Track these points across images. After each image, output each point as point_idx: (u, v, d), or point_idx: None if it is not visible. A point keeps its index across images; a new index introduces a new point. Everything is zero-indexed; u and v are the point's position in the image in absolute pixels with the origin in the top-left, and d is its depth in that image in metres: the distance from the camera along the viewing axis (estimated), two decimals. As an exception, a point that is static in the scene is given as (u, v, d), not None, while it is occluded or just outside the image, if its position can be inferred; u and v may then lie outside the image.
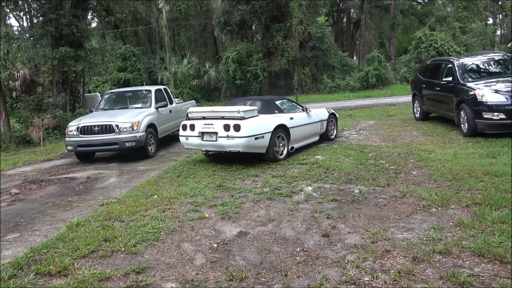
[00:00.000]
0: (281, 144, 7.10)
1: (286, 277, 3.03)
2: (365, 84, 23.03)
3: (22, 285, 3.15)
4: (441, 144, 7.37)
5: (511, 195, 4.26)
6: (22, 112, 15.03)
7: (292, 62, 24.08)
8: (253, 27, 28.39)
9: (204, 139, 6.84)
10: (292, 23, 23.83)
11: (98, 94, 18.69)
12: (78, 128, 8.47)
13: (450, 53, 21.44)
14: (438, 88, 9.21)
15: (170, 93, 11.07)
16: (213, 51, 30.43)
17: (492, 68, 8.91)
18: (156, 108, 9.41)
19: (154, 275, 3.20)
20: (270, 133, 6.77)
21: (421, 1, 37.86)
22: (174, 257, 3.50)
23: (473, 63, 9.00)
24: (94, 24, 27.24)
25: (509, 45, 27.55)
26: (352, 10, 36.61)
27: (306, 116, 7.92)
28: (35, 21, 15.78)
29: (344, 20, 38.98)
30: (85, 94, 16.83)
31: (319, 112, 8.46)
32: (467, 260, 3.08)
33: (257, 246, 3.63)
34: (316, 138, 8.33)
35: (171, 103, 10.49)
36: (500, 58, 9.20)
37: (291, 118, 7.40)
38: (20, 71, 24.80)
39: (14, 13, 22.90)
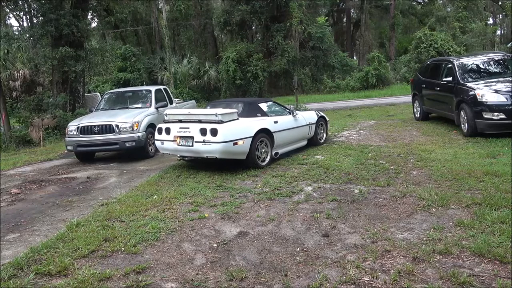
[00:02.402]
0: (263, 150, 6.69)
1: (286, 277, 3.03)
2: (365, 84, 23.02)
3: (22, 285, 3.15)
4: (441, 144, 7.37)
5: (511, 195, 4.26)
6: (22, 112, 15.00)
7: (292, 62, 24.07)
8: (253, 27, 28.38)
9: (180, 144, 6.44)
10: (292, 23, 23.82)
11: (98, 94, 18.69)
12: (78, 128, 8.47)
13: (450, 53, 21.43)
14: (438, 88, 9.21)
15: (170, 93, 11.07)
16: (213, 51, 30.42)
17: (492, 68, 8.91)
18: (156, 108, 9.40)
19: (154, 275, 3.20)
20: (251, 138, 6.36)
21: (421, 1, 37.86)
22: (174, 257, 3.50)
23: (473, 63, 9.00)
24: (94, 24, 27.23)
25: (509, 45, 27.55)
26: (352, 10, 36.60)
27: (293, 120, 7.51)
28: (35, 21, 15.77)
29: (344, 20, 38.97)
30: (85, 94, 16.82)
31: (307, 115, 8.09)
32: (467, 260, 3.08)
33: (257, 246, 3.63)
34: (304, 142, 7.92)
35: (171, 103, 10.49)
36: (500, 58, 9.20)
37: (275, 122, 7.01)
38: (20, 71, 24.79)
39: (14, 13, 22.91)
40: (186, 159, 7.11)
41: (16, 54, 24.65)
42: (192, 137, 6.29)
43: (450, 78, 8.62)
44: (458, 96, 8.13)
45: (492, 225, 3.59)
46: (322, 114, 8.63)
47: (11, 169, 8.61)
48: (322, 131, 8.47)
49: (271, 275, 3.09)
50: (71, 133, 8.54)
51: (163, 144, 6.78)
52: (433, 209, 4.15)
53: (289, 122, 7.42)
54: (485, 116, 7.33)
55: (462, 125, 7.96)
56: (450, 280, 2.81)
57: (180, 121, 6.65)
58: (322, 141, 8.41)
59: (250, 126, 6.51)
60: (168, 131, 6.66)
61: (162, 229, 4.13)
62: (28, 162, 9.29)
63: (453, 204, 4.23)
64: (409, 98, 12.29)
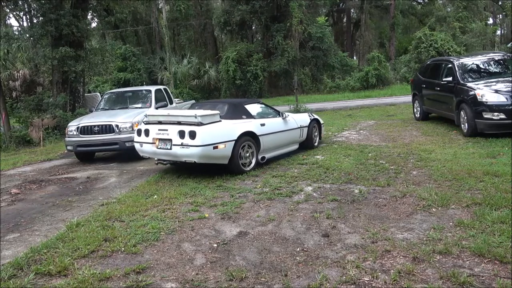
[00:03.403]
0: (247, 154, 6.34)
1: (286, 277, 3.03)
2: (365, 84, 23.04)
3: (22, 285, 3.15)
4: (441, 144, 7.37)
5: (511, 195, 4.26)
6: (22, 112, 15.00)
7: (292, 62, 24.08)
8: (253, 27, 28.41)
9: (159, 147, 6.12)
10: (292, 23, 23.83)
11: (98, 94, 18.69)
12: (78, 128, 8.47)
13: (450, 53, 21.45)
14: (438, 88, 9.21)
15: (170, 93, 11.07)
16: (213, 51, 30.44)
17: (492, 68, 8.92)
18: (156, 108, 9.39)
19: (154, 275, 3.20)
20: (234, 142, 6.02)
21: (421, 1, 37.87)
22: (174, 257, 3.50)
23: (473, 63, 9.01)
24: (94, 24, 27.22)
25: (509, 45, 27.55)
26: (352, 10, 36.62)
27: (282, 122, 7.14)
28: (35, 21, 15.78)
29: (344, 20, 38.98)
30: (85, 94, 16.83)
31: (298, 117, 7.72)
32: (467, 260, 3.08)
33: (257, 246, 3.63)
34: (295, 146, 7.58)
35: (171, 103, 10.49)
36: (500, 58, 9.20)
37: (262, 125, 6.66)
38: (20, 71, 24.81)
39: (14, 13, 22.90)
40: (165, 163, 6.65)
41: (16, 54, 24.66)
42: (170, 140, 5.95)
43: (450, 78, 8.62)
44: (458, 96, 8.14)
45: (492, 225, 3.59)
46: (316, 116, 8.27)
47: (11, 169, 8.61)
48: (315, 134, 8.09)
49: (271, 275, 3.09)
50: (71, 133, 8.54)
51: (142, 146, 6.49)
52: (433, 209, 4.15)
53: (278, 124, 7.06)
54: (485, 116, 7.33)
55: (462, 125, 7.96)
56: (450, 280, 2.81)
57: (160, 122, 6.35)
58: (315, 144, 8.05)
59: (233, 128, 6.17)
60: (147, 132, 6.36)
61: (162, 229, 4.13)
62: (28, 162, 9.29)
63: (453, 204, 4.23)
64: (409, 98, 12.29)
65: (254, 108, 7.07)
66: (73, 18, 13.68)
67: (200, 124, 5.86)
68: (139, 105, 9.68)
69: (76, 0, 14.48)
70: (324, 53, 25.02)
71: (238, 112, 6.68)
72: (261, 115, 7.03)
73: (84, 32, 14.57)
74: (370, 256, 3.24)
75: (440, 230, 3.63)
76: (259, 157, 6.56)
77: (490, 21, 34.34)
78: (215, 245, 3.70)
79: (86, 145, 8.46)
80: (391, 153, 6.95)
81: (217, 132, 5.98)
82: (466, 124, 7.77)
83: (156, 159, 6.58)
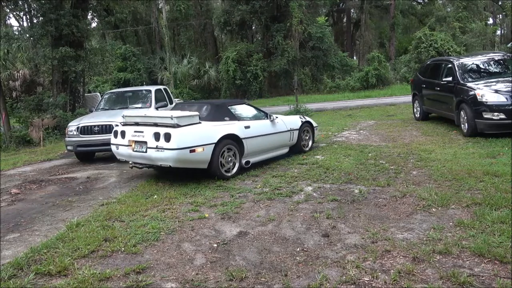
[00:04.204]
0: (229, 159, 6.02)
1: (286, 277, 3.03)
2: (365, 84, 23.04)
3: (22, 285, 3.15)
4: (441, 144, 7.37)
5: (511, 195, 4.26)
6: (22, 112, 15.01)
7: (292, 62, 24.08)
8: (253, 27, 28.42)
9: (135, 150, 5.86)
10: (292, 23, 23.84)
11: (98, 94, 18.71)
12: (78, 128, 8.47)
13: (450, 53, 21.45)
14: (438, 88, 9.21)
15: (170, 93, 11.08)
16: (213, 51, 30.46)
17: (492, 68, 8.92)
18: (156, 108, 9.39)
19: (154, 275, 3.20)
20: (213, 145, 5.72)
21: (421, 1, 37.88)
22: (174, 257, 3.50)
23: (473, 63, 9.01)
24: (94, 24, 27.23)
25: (509, 45, 27.55)
26: (352, 10, 36.62)
27: (270, 125, 6.79)
28: (35, 21, 15.79)
29: (344, 20, 38.99)
30: (85, 94, 16.84)
31: (288, 120, 7.36)
32: (467, 260, 3.08)
33: (257, 246, 3.63)
34: (284, 150, 7.21)
35: (171, 103, 10.48)
36: (500, 58, 9.20)
37: (247, 127, 6.33)
38: (20, 71, 24.81)
39: (14, 13, 22.88)
40: (140, 167, 6.30)
41: (16, 54, 24.67)
42: (146, 142, 5.67)
43: (450, 78, 8.62)
44: (458, 96, 8.13)
45: (492, 225, 3.59)
46: (308, 119, 7.89)
47: (11, 169, 8.61)
48: (307, 138, 7.69)
49: (271, 275, 3.09)
50: (71, 133, 8.54)
51: (118, 149, 6.21)
52: (433, 209, 4.15)
53: (265, 127, 6.71)
54: (485, 116, 7.33)
55: (462, 125, 7.96)
56: (450, 280, 2.81)
57: (137, 123, 6.08)
58: (307, 148, 7.64)
59: (213, 131, 5.85)
60: (123, 134, 6.07)
61: (162, 229, 4.13)
62: (28, 162, 9.29)
63: (453, 204, 4.23)
64: (409, 98, 12.29)
65: (238, 109, 6.75)
66: (73, 18, 13.68)
67: (176, 126, 5.55)
68: (139, 105, 9.69)
69: (76, 0, 14.49)
70: (324, 53, 25.03)
71: (221, 114, 6.33)
72: (246, 117, 6.70)
73: (84, 32, 14.58)
74: (370, 256, 3.24)
75: (440, 230, 3.63)
76: (243, 161, 6.26)
77: (490, 21, 34.37)
78: (215, 245, 3.70)
79: (86, 145, 8.46)
80: (391, 153, 6.95)
81: (195, 135, 5.65)
82: (466, 124, 7.77)
83: (130, 162, 6.26)
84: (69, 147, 8.66)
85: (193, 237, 3.92)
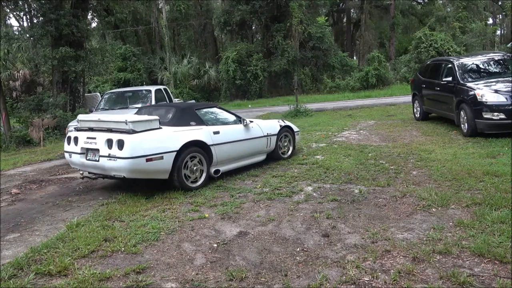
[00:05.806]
0: (195, 168, 5.46)
1: (286, 277, 3.03)
2: (365, 84, 23.04)
3: (22, 285, 3.15)
4: (441, 144, 7.37)
5: (511, 195, 4.26)
6: (22, 112, 15.01)
7: (292, 62, 24.09)
8: (253, 27, 28.43)
9: (88, 158, 5.31)
10: (292, 23, 23.85)
11: (98, 94, 18.70)
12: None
13: (450, 53, 21.45)
14: (438, 88, 9.21)
15: (170, 93, 11.07)
16: (213, 51, 30.47)
17: (492, 68, 8.91)
18: (156, 108, 9.38)
19: (154, 275, 3.20)
20: (175, 153, 5.16)
21: (421, 1, 37.88)
22: (174, 257, 3.50)
23: (473, 63, 9.00)
24: (94, 24, 27.27)
25: (509, 45, 27.53)
26: (352, 10, 36.62)
27: (243, 130, 6.26)
28: (35, 21, 15.79)
29: (344, 20, 38.99)
30: (85, 94, 16.83)
31: (265, 124, 6.81)
32: (467, 260, 3.08)
33: (257, 246, 3.63)
34: (261, 157, 6.70)
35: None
36: (500, 58, 9.20)
37: (216, 132, 5.79)
38: (20, 71, 24.82)
39: (14, 13, 22.90)
40: (94, 177, 5.72)
41: (16, 54, 24.67)
42: (98, 150, 5.12)
43: (450, 78, 8.62)
44: (458, 96, 8.14)
45: (492, 225, 3.59)
46: (288, 123, 7.32)
47: (11, 169, 8.60)
48: (286, 144, 7.14)
49: (271, 275, 3.09)
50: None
51: (71, 157, 5.68)
52: (433, 209, 4.15)
53: (237, 132, 6.18)
54: (485, 116, 7.33)
55: (462, 125, 7.96)
56: (450, 280, 2.81)
57: (91, 129, 5.54)
58: (286, 156, 7.09)
59: (175, 137, 5.27)
60: (76, 141, 5.54)
61: (162, 229, 4.13)
62: (28, 162, 9.29)
63: (453, 204, 4.23)
64: (409, 98, 12.29)
65: (207, 113, 6.24)
66: (73, 18, 13.69)
67: (131, 131, 5.00)
68: (139, 105, 9.65)
69: (76, 0, 14.50)
70: (324, 53, 25.03)
71: (186, 118, 5.76)
72: (216, 122, 6.17)
73: (84, 32, 14.59)
74: (370, 256, 3.24)
75: (440, 230, 3.63)
76: (212, 170, 5.72)
77: (490, 21, 34.40)
78: (215, 245, 3.70)
79: (86, 145, 8.44)
80: (391, 153, 6.95)
81: (153, 142, 5.08)
82: (466, 124, 7.77)
83: (81, 172, 5.74)
84: (69, 147, 8.63)
85: (193, 237, 3.92)
